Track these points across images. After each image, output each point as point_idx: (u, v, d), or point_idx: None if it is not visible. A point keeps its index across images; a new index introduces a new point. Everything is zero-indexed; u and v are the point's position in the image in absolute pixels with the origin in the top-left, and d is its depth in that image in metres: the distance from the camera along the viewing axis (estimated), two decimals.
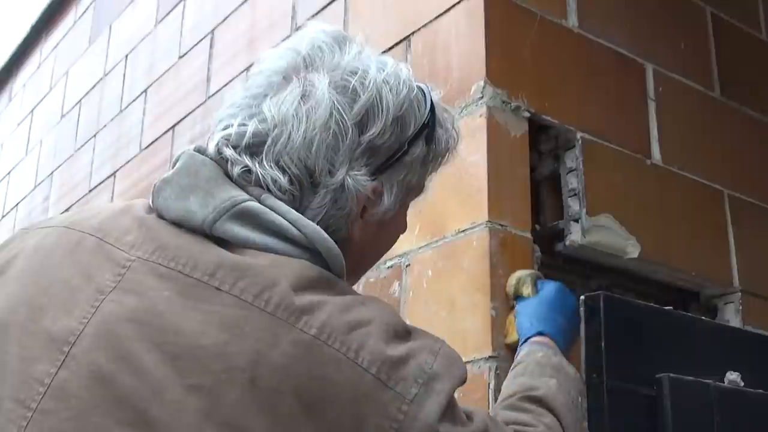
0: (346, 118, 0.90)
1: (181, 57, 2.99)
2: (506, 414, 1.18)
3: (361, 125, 0.92)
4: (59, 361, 0.79)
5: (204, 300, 0.81)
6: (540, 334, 1.38)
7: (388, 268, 1.78)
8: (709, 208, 2.03)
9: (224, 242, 0.86)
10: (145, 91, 3.18)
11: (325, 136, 0.90)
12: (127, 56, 3.44)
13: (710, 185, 2.04)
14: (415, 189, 1.03)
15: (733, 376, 1.62)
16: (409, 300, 1.71)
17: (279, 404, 0.77)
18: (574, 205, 1.75)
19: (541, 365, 1.29)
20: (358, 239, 0.96)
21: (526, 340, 1.38)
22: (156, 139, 2.98)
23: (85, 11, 4.05)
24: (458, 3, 1.79)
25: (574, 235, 1.73)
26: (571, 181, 1.77)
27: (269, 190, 0.90)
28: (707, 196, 2.03)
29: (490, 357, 1.52)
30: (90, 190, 3.43)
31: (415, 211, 1.76)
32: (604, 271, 1.84)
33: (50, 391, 0.78)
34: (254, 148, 0.90)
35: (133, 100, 3.26)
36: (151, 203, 0.92)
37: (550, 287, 1.47)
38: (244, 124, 0.91)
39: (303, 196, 0.91)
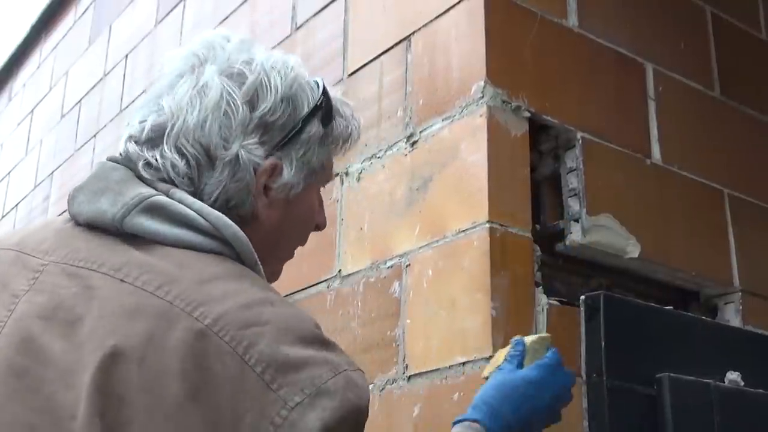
0: (236, 97, 0.96)
1: None
2: None
3: (252, 103, 0.97)
4: None
5: (107, 289, 0.85)
6: (474, 421, 1.20)
7: (389, 268, 1.79)
8: (709, 207, 2.03)
9: (136, 238, 0.90)
10: (145, 91, 3.18)
11: (217, 115, 0.95)
12: (127, 56, 3.44)
13: (710, 185, 2.04)
14: (319, 172, 1.06)
15: (733, 376, 1.62)
16: (410, 300, 1.71)
17: (163, 386, 0.79)
18: (574, 205, 1.76)
19: None
20: (266, 218, 1.00)
21: (458, 421, 1.21)
22: None
23: (85, 11, 4.05)
24: (458, 3, 1.79)
25: (575, 235, 1.73)
26: (572, 181, 1.77)
27: (171, 180, 0.95)
28: (707, 195, 2.03)
29: (490, 357, 1.52)
30: None
31: (415, 211, 1.77)
32: (604, 270, 1.84)
33: None
34: (156, 140, 0.96)
35: (133, 100, 3.26)
36: (68, 212, 0.97)
37: (522, 377, 1.25)
38: (143, 121, 0.98)
39: (201, 175, 0.95)
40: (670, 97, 2.03)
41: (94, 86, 3.68)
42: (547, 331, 1.61)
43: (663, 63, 2.04)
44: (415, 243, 1.74)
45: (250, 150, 0.96)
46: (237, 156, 0.95)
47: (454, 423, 1.22)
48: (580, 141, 1.79)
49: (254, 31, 2.56)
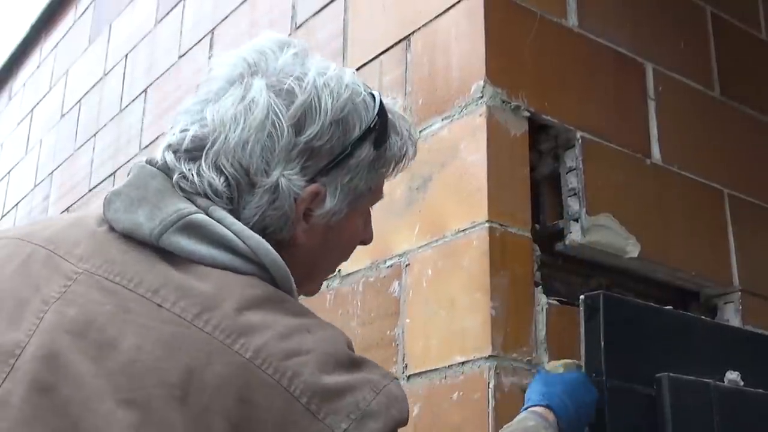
0: (282, 119, 0.91)
1: (181, 56, 2.99)
2: None
3: (298, 126, 0.92)
4: (5, 374, 0.80)
5: (144, 315, 0.82)
6: (545, 407, 1.33)
7: (388, 267, 1.78)
8: (709, 207, 2.03)
9: (174, 255, 0.87)
10: (145, 90, 3.18)
11: (261, 137, 0.90)
12: (126, 56, 3.44)
13: (710, 185, 2.04)
14: (368, 194, 1.01)
15: (732, 376, 1.62)
16: (409, 299, 1.71)
17: (208, 424, 0.77)
18: (573, 205, 1.76)
19: None
20: (304, 243, 0.96)
21: (527, 408, 1.34)
22: (156, 139, 2.98)
23: (84, 11, 4.05)
24: (458, 2, 1.79)
25: (574, 235, 1.73)
26: (571, 181, 1.77)
27: (207, 196, 0.90)
28: (707, 195, 2.03)
29: (490, 356, 1.52)
30: (90, 190, 3.43)
31: (414, 211, 1.77)
32: (603, 270, 1.84)
33: None
34: (195, 152, 0.91)
35: (133, 100, 3.26)
36: (102, 214, 0.92)
37: (575, 374, 1.43)
38: (185, 129, 0.93)
39: (240, 197, 0.91)
40: (669, 97, 2.03)
41: (94, 86, 3.68)
42: (546, 331, 1.62)
43: (663, 63, 2.04)
44: (414, 242, 1.73)
45: (290, 178, 0.91)
46: (277, 184, 0.90)
47: (523, 410, 1.33)
48: (580, 141, 1.79)
49: (254, 30, 2.56)
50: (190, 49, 2.93)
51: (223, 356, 0.79)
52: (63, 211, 3.61)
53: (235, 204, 0.91)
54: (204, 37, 2.85)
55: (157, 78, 3.12)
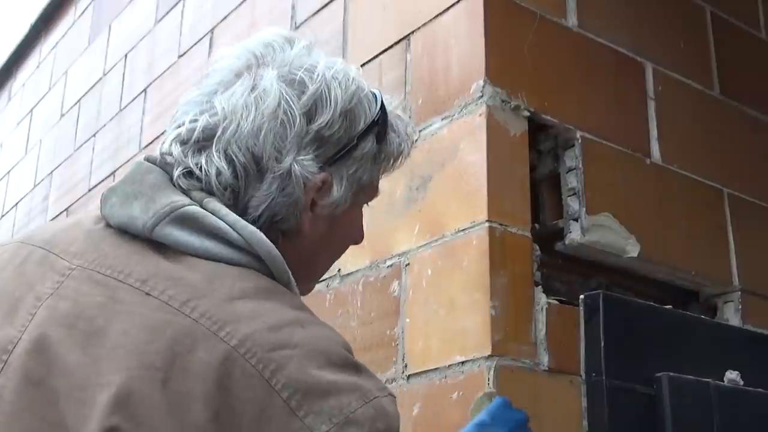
0: (294, 108, 0.92)
1: (180, 56, 2.99)
2: None
3: (309, 115, 0.93)
4: None
5: (132, 303, 0.82)
6: None
7: (388, 267, 1.78)
8: (709, 207, 2.03)
9: (167, 247, 0.87)
10: (145, 90, 3.18)
11: (273, 124, 0.91)
12: (126, 55, 3.44)
13: (710, 184, 2.04)
14: (367, 189, 1.03)
15: (732, 375, 1.63)
16: (409, 299, 1.71)
17: (188, 409, 0.76)
18: (573, 204, 1.76)
19: None
20: (309, 233, 0.96)
21: None
22: (155, 139, 2.98)
23: (84, 10, 4.05)
24: (458, 2, 1.79)
25: (574, 234, 1.73)
26: (571, 180, 1.77)
27: (211, 190, 0.91)
28: (707, 195, 2.03)
29: (489, 356, 1.52)
30: (90, 189, 3.43)
31: (414, 211, 1.77)
32: (603, 270, 1.84)
33: None
34: (204, 142, 0.92)
35: (133, 100, 3.26)
36: (100, 212, 0.93)
37: (496, 402, 1.36)
38: (195, 120, 0.93)
39: (248, 186, 0.92)
40: (669, 96, 2.03)
41: (94, 86, 3.68)
42: (546, 331, 1.62)
43: (663, 62, 2.04)
44: (414, 242, 1.74)
45: (302, 164, 0.92)
46: (289, 170, 0.91)
47: None
48: (580, 140, 1.79)
49: (253, 30, 2.56)
50: (190, 48, 2.93)
51: (207, 342, 0.78)
52: (63, 211, 3.61)
53: (241, 196, 0.92)
54: (203, 37, 2.85)
55: (157, 78, 3.12)
